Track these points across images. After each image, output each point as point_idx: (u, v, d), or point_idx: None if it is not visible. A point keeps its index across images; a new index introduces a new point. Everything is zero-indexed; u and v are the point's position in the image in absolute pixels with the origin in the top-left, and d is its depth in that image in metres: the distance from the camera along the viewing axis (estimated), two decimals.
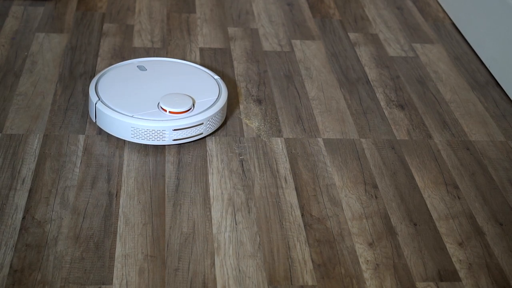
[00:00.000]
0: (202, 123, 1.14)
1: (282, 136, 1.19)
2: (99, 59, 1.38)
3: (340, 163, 1.14)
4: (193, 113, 1.15)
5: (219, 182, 1.08)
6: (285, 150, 1.16)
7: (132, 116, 1.12)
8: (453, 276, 0.95)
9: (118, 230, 0.98)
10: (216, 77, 1.25)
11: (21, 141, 1.14)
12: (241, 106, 1.26)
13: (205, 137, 1.17)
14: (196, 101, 1.17)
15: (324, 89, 1.34)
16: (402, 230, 1.02)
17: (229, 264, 0.94)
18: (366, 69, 1.41)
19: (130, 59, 1.39)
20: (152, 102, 1.16)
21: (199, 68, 1.28)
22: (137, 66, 1.23)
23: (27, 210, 1.00)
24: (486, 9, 1.46)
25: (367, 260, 0.97)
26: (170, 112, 1.14)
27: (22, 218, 0.99)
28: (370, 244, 0.99)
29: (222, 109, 1.18)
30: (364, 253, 0.98)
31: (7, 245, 0.95)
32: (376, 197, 1.08)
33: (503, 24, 1.38)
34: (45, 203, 1.02)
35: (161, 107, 1.15)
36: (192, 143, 1.16)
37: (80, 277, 0.91)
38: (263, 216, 1.03)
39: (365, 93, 1.33)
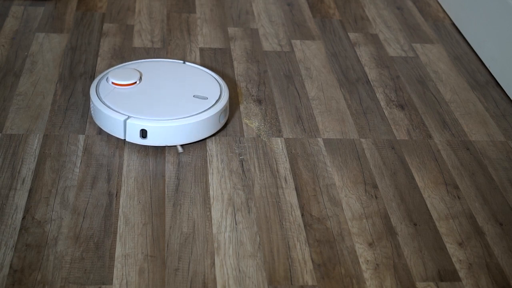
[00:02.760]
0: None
1: (282, 136, 1.19)
2: (99, 59, 1.38)
3: (340, 163, 1.14)
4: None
5: (219, 182, 1.08)
6: (285, 150, 1.16)
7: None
8: (453, 276, 0.95)
9: (118, 230, 0.98)
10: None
11: (21, 141, 1.14)
12: (241, 106, 1.27)
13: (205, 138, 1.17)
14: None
15: (324, 89, 1.34)
16: (402, 230, 1.02)
17: (229, 264, 0.94)
18: (366, 69, 1.41)
19: (130, 59, 1.39)
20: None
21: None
22: (193, 96, 1.18)
23: (27, 210, 1.00)
24: (486, 9, 1.46)
25: (367, 260, 0.97)
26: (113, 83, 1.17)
27: (22, 218, 0.99)
28: (370, 244, 0.99)
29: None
30: (364, 253, 0.98)
31: (7, 245, 0.95)
32: (376, 197, 1.08)
33: (503, 24, 1.38)
34: (45, 203, 1.02)
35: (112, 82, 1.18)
36: (192, 143, 1.16)
37: (80, 277, 0.91)
38: (263, 216, 1.03)
39: (365, 93, 1.33)
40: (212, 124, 1.15)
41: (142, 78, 1.21)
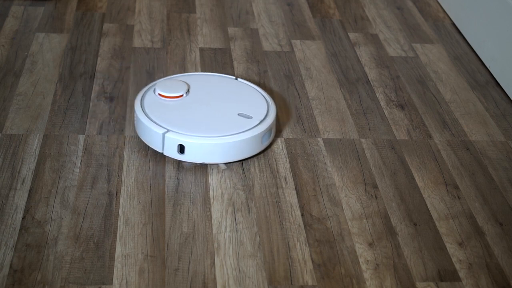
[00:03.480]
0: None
1: (282, 136, 1.19)
2: (99, 59, 1.38)
3: (340, 163, 1.14)
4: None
5: (219, 182, 1.08)
6: (285, 150, 1.16)
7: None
8: (453, 276, 0.95)
9: (118, 230, 0.98)
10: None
11: (21, 141, 1.14)
12: None
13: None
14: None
15: (324, 89, 1.34)
16: (402, 230, 1.02)
17: (229, 264, 0.94)
18: (366, 69, 1.41)
19: (131, 60, 1.39)
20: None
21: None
22: (238, 114, 1.14)
23: (27, 210, 1.00)
24: (486, 9, 1.46)
25: (367, 260, 0.97)
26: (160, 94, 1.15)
27: (22, 218, 0.99)
28: (370, 244, 0.99)
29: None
30: (364, 253, 0.98)
31: (7, 245, 0.95)
32: (376, 197, 1.08)
33: (503, 24, 1.38)
34: (45, 203, 1.02)
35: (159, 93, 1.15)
36: None
37: (80, 277, 0.91)
38: (263, 216, 1.03)
39: (365, 93, 1.33)
40: (253, 145, 1.11)
41: (190, 91, 1.18)
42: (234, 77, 1.24)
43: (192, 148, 1.08)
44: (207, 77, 1.23)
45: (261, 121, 1.13)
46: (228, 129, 1.11)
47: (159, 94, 1.16)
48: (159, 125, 1.10)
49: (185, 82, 1.18)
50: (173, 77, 1.22)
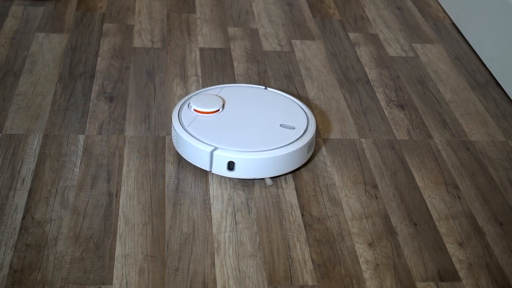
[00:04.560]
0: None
1: None
2: (99, 59, 1.38)
3: (340, 163, 1.14)
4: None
5: (219, 182, 1.08)
6: None
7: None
8: (453, 276, 0.95)
9: (118, 230, 0.98)
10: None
11: (21, 141, 1.14)
12: None
13: None
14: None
15: (324, 89, 1.34)
16: (402, 230, 1.02)
17: (229, 264, 0.94)
18: (366, 69, 1.41)
19: (131, 60, 1.39)
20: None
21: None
22: (280, 125, 1.11)
23: (27, 210, 1.00)
24: (486, 9, 1.46)
25: (367, 260, 0.97)
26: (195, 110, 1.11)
27: (22, 218, 0.99)
28: (370, 244, 0.99)
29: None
30: (364, 253, 0.98)
31: (7, 245, 0.95)
32: (376, 197, 1.08)
33: (503, 24, 1.38)
34: (45, 203, 1.02)
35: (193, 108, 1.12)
36: None
37: (80, 277, 0.91)
38: (263, 216, 1.03)
39: (365, 93, 1.33)
40: (301, 156, 1.09)
41: (225, 105, 1.15)
42: (263, 87, 1.21)
43: (243, 164, 1.06)
44: (237, 89, 1.20)
45: (305, 131, 1.11)
46: (275, 142, 1.08)
47: (195, 110, 1.12)
48: (206, 143, 1.07)
49: (219, 96, 1.15)
50: (204, 91, 1.19)
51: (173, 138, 1.11)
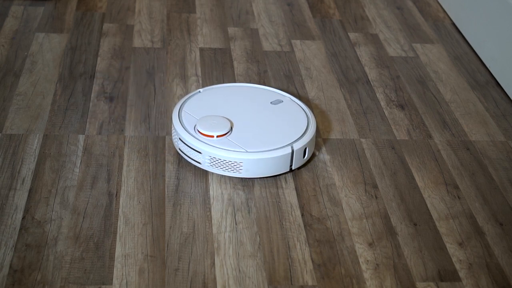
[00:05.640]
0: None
1: None
2: (99, 59, 1.38)
3: (340, 163, 1.14)
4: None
5: (219, 182, 1.08)
6: None
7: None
8: (453, 276, 0.95)
9: (118, 230, 0.98)
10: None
11: (21, 141, 1.14)
12: None
13: None
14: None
15: (324, 89, 1.34)
16: (402, 230, 1.02)
17: (229, 264, 0.94)
18: (366, 69, 1.41)
19: (131, 60, 1.39)
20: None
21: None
22: (271, 103, 1.15)
23: (27, 210, 1.00)
24: (486, 9, 1.46)
25: (367, 260, 0.97)
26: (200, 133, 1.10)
27: (22, 218, 0.99)
28: (370, 244, 0.99)
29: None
30: (364, 253, 0.98)
31: (7, 245, 0.95)
32: (376, 197, 1.08)
33: (503, 24, 1.38)
34: (45, 203, 1.02)
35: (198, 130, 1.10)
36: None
37: (80, 277, 0.91)
38: (263, 216, 1.03)
39: (365, 93, 1.33)
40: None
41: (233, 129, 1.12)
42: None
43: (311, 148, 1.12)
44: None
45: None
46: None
47: (199, 131, 1.10)
48: (284, 147, 1.08)
49: (226, 118, 1.13)
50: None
51: (251, 162, 1.08)
